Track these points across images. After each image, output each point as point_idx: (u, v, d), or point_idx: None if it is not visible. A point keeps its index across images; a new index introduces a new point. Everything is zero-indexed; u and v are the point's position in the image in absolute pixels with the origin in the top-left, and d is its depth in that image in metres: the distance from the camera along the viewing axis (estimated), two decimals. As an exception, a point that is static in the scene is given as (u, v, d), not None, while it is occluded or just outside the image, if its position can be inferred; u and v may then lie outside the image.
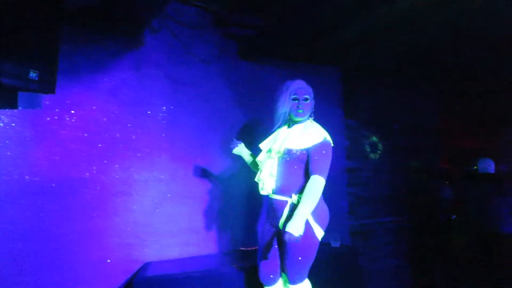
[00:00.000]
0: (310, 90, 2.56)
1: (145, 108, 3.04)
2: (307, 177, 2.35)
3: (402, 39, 3.38)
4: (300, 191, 2.36)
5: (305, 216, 2.19)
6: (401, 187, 4.63)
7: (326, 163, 2.34)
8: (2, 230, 2.48)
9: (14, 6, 2.12)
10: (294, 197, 2.37)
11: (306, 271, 2.41)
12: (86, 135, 2.79)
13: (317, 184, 2.26)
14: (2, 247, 2.48)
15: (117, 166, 2.90)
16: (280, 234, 2.45)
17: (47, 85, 2.34)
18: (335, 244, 3.57)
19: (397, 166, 4.64)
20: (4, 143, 2.51)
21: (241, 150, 2.80)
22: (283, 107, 2.48)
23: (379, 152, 4.55)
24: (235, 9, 3.21)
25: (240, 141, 2.80)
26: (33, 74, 2.23)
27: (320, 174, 2.29)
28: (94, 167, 2.81)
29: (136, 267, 2.92)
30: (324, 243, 3.59)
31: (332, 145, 2.41)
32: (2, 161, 2.50)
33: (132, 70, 2.99)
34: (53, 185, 2.66)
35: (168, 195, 3.09)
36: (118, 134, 2.91)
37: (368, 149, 4.48)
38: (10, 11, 2.12)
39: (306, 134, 2.42)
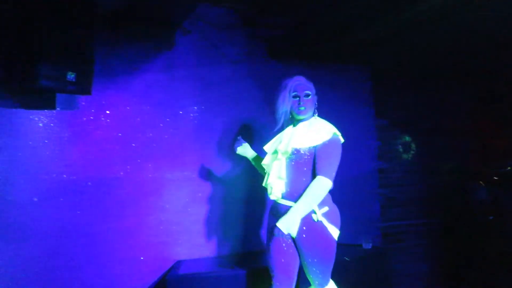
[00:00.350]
0: (311, 85, 2.41)
1: (176, 108, 3.09)
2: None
3: (435, 37, 3.29)
4: None
5: (299, 215, 2.12)
6: (434, 188, 4.50)
7: (333, 162, 2.22)
8: (41, 227, 2.58)
9: (50, 12, 2.20)
10: (286, 201, 2.26)
11: (329, 273, 2.29)
12: (120, 135, 2.86)
13: (320, 185, 2.15)
14: (40, 244, 2.57)
15: (150, 165, 2.96)
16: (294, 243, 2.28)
17: (83, 87, 2.43)
18: (367, 245, 3.52)
19: (430, 167, 4.52)
20: (43, 143, 2.60)
21: (246, 150, 2.67)
22: (283, 106, 2.33)
23: (412, 152, 4.46)
24: (264, 9, 3.22)
25: (244, 141, 2.68)
26: (70, 76, 2.32)
27: (325, 175, 2.16)
28: (128, 166, 2.88)
29: (168, 265, 2.97)
30: (355, 244, 3.57)
31: (343, 141, 2.33)
32: (42, 160, 2.59)
33: (164, 71, 3.04)
34: (89, 183, 2.74)
35: (199, 194, 3.12)
36: (150, 134, 2.97)
37: (401, 150, 4.39)
38: (47, 17, 2.20)
39: (312, 131, 2.28)
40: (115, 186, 2.83)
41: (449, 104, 4.71)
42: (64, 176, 2.67)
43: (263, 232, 2.94)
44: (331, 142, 2.24)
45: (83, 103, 2.74)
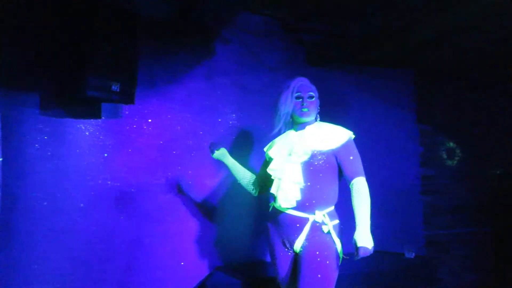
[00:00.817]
0: (314, 87, 2.26)
1: (216, 116, 3.13)
2: (333, 188, 2.14)
3: (483, 39, 3.16)
4: (325, 206, 2.10)
5: (368, 226, 1.98)
6: (482, 195, 4.30)
7: (360, 162, 2.12)
8: (88, 231, 2.67)
9: (98, 26, 2.30)
10: (319, 215, 2.07)
11: None
12: (161, 142, 2.93)
13: (366, 187, 2.06)
14: (88, 247, 2.66)
15: (190, 172, 3.01)
16: (297, 256, 2.11)
17: (127, 97, 2.51)
18: (410, 255, 3.42)
19: (477, 173, 4.33)
20: (90, 151, 2.70)
21: (224, 155, 2.47)
22: (285, 107, 2.18)
23: (457, 158, 4.29)
24: (303, 15, 3.20)
25: (220, 146, 2.48)
26: (115, 87, 2.40)
27: (363, 175, 2.08)
28: (169, 173, 2.94)
29: (208, 271, 3.00)
30: (397, 253, 3.47)
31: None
32: (88, 167, 2.69)
33: (204, 79, 3.09)
34: (132, 190, 2.82)
35: (239, 200, 3.14)
36: (190, 142, 3.02)
37: (445, 156, 4.23)
38: (95, 31, 2.29)
39: (327, 133, 2.15)
40: (157, 192, 2.90)
41: (497, 107, 4.50)
42: (109, 182, 2.76)
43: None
44: (351, 142, 2.16)
45: (127, 112, 2.82)
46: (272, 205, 2.27)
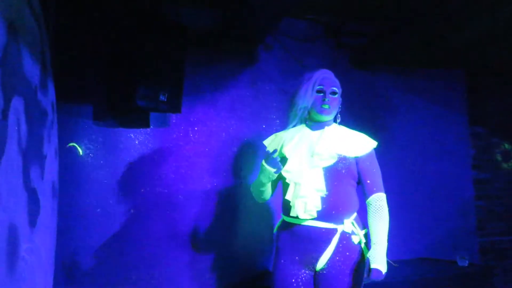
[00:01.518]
0: (338, 83, 2.00)
1: (260, 122, 3.14)
2: (355, 194, 1.91)
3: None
4: (351, 214, 1.87)
5: (386, 248, 1.81)
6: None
7: (381, 177, 1.93)
8: (138, 236, 2.75)
9: (147, 38, 2.38)
10: (348, 224, 1.83)
11: None
12: (207, 149, 2.98)
13: (386, 204, 1.87)
14: (138, 251, 2.75)
15: (234, 178, 3.03)
16: (317, 277, 1.84)
17: (174, 106, 2.58)
18: (463, 262, 3.27)
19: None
20: (140, 158, 2.79)
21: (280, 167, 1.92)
22: (304, 101, 1.92)
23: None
24: (347, 18, 3.16)
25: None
26: (162, 96, 2.47)
27: (383, 191, 1.89)
28: (215, 180, 2.98)
29: (255, 276, 3.01)
30: (449, 261, 3.33)
31: None
32: (138, 175, 2.78)
33: (248, 86, 3.11)
34: (180, 196, 2.88)
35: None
36: (235, 148, 3.05)
37: (500, 158, 4.03)
38: (144, 43, 2.37)
39: (351, 138, 1.95)
40: (204, 198, 2.94)
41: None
42: (157, 189, 2.83)
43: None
44: (374, 153, 1.97)
45: (174, 121, 2.89)
46: (284, 218, 1.97)
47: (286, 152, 1.96)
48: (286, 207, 1.91)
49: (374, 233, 1.83)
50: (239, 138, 3.07)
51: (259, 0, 2.28)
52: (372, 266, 1.76)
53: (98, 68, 2.67)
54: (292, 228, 1.89)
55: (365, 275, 1.79)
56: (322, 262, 1.82)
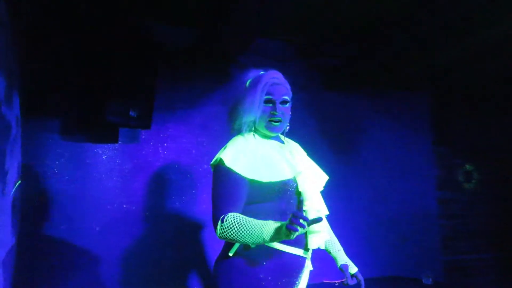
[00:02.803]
0: (289, 87, 1.70)
1: (231, 140, 3.14)
2: None
3: (501, 62, 3.14)
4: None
5: None
6: (505, 219, 4.21)
7: None
8: (102, 254, 2.68)
9: (118, 54, 2.36)
10: (309, 252, 1.60)
11: None
12: (177, 166, 2.95)
13: None
14: (104, 270, 2.67)
15: (204, 196, 3.01)
16: None
17: (144, 121, 2.55)
18: (427, 281, 3.33)
19: (499, 197, 4.25)
20: (106, 174, 2.73)
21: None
22: (251, 114, 1.58)
23: (473, 181, 4.22)
24: (320, 40, 3.23)
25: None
26: (132, 112, 2.44)
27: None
28: (184, 197, 2.95)
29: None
30: (414, 279, 3.39)
31: None
32: (104, 191, 2.72)
33: (221, 104, 3.12)
34: (147, 213, 2.83)
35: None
36: (206, 166, 3.03)
37: (462, 179, 4.17)
38: (115, 59, 2.36)
39: (310, 162, 1.80)
40: (172, 216, 2.90)
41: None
42: (125, 206, 2.78)
43: None
44: None
45: (143, 137, 2.86)
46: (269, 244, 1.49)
47: (299, 170, 1.60)
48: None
49: (336, 241, 1.86)
50: (210, 155, 3.05)
51: (236, 20, 2.30)
52: (355, 270, 1.79)
53: (67, 82, 2.61)
54: (280, 258, 1.51)
55: (347, 281, 1.75)
56: None
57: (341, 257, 1.82)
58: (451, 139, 4.13)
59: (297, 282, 1.56)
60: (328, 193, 1.81)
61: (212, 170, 1.62)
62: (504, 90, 3.96)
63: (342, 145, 3.52)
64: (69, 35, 2.60)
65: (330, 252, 1.87)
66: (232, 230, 1.39)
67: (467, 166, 4.21)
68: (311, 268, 1.66)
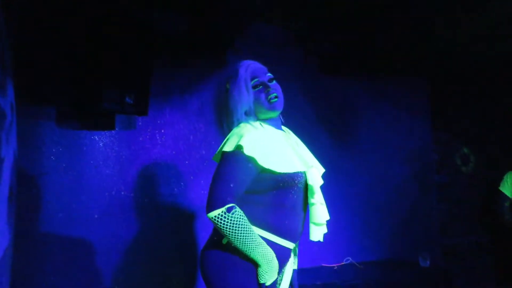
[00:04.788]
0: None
1: (229, 126, 3.13)
2: None
3: (500, 46, 3.12)
4: None
5: None
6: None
7: None
8: (100, 242, 2.68)
9: (113, 39, 2.33)
10: (296, 246, 1.76)
11: None
12: (174, 153, 2.94)
13: None
14: (103, 258, 2.68)
15: (202, 182, 3.01)
16: None
17: (140, 108, 2.54)
18: (424, 263, 3.36)
19: (496, 181, 4.26)
20: (104, 162, 2.72)
21: None
22: (243, 104, 1.58)
23: (471, 165, 4.22)
24: (317, 26, 3.20)
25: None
26: (129, 99, 2.42)
27: None
28: (182, 183, 2.95)
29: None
30: (412, 262, 3.42)
31: None
32: (102, 178, 2.71)
33: (217, 90, 3.09)
34: (146, 200, 2.83)
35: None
36: (203, 152, 3.03)
37: (459, 162, 4.18)
38: (110, 44, 2.32)
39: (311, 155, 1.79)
40: (170, 202, 2.90)
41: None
42: (123, 193, 2.77)
43: None
44: None
45: (140, 123, 2.84)
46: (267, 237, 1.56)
47: (305, 164, 1.62)
48: (289, 227, 1.57)
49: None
50: (207, 141, 3.05)
51: (232, 3, 2.27)
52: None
53: (62, 68, 2.58)
54: (277, 251, 1.51)
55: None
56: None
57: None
58: (449, 123, 4.12)
59: (280, 274, 1.58)
60: (326, 178, 1.81)
61: (224, 155, 1.57)
62: (503, 74, 3.93)
63: (340, 130, 3.51)
64: (63, 20, 2.56)
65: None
66: (232, 227, 1.40)
67: (465, 150, 4.21)
68: (296, 267, 1.74)
